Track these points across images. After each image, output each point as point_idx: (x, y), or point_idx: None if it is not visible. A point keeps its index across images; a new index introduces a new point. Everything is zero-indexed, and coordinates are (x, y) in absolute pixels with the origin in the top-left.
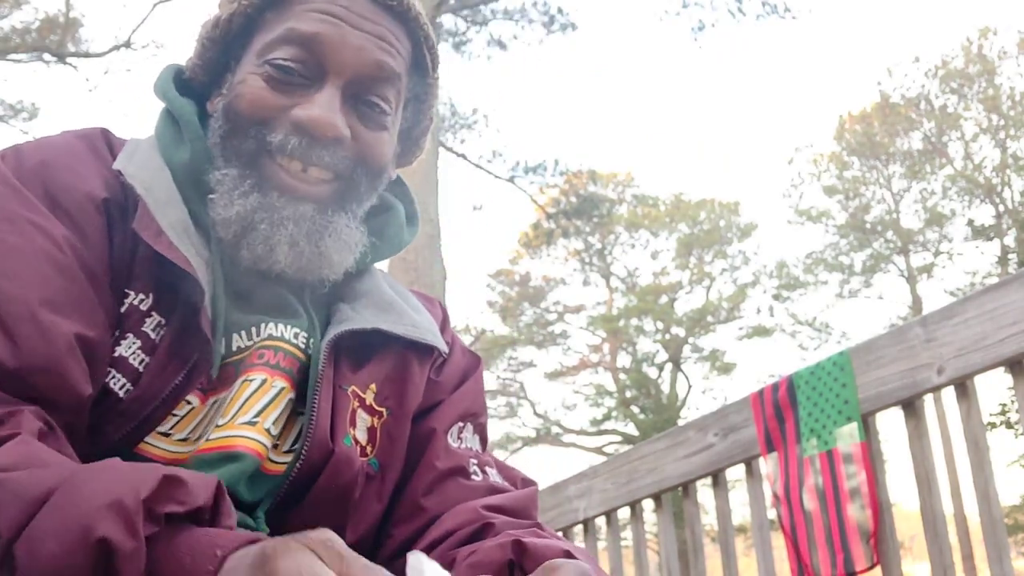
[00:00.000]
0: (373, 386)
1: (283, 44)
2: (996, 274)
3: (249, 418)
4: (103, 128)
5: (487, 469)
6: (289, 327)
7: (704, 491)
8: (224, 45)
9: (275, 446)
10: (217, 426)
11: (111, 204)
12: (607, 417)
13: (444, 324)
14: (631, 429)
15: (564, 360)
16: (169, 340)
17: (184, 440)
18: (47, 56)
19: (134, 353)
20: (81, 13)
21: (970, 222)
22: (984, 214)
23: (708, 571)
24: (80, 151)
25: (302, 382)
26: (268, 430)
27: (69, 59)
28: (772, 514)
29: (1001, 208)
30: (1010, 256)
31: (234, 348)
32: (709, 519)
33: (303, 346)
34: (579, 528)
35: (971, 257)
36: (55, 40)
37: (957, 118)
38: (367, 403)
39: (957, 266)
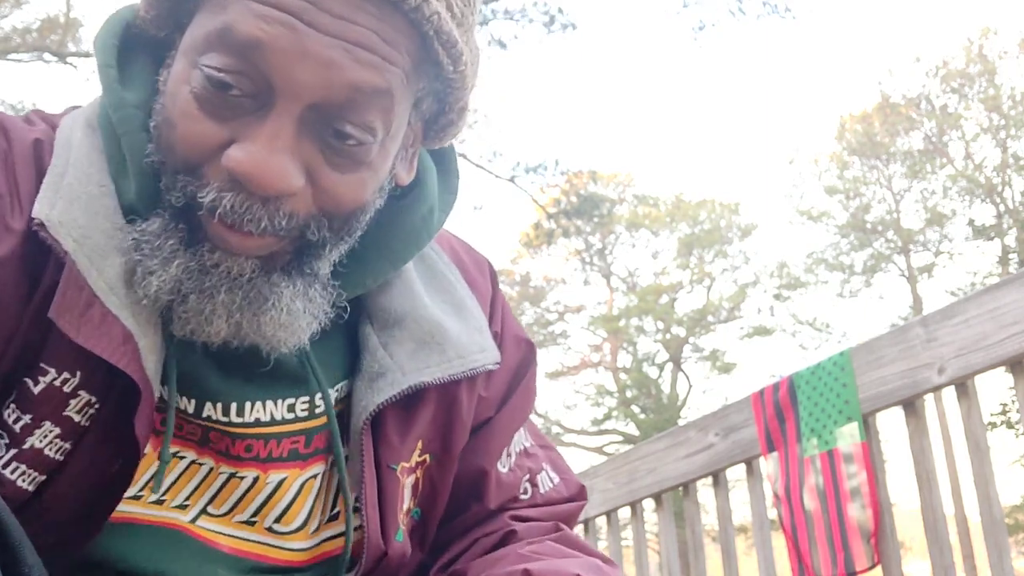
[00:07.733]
0: (420, 443)
1: (217, 46)
2: (997, 274)
3: (246, 518)
4: (38, 115)
5: (538, 479)
6: (280, 402)
7: (704, 491)
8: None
9: (300, 528)
10: (207, 514)
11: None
12: (607, 417)
13: (494, 301)
14: (631, 429)
15: (565, 360)
16: (105, 427)
17: (162, 503)
18: (47, 56)
19: (50, 443)
20: (81, 13)
21: (971, 222)
22: (985, 214)
23: (708, 571)
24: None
25: (318, 451)
26: (270, 529)
27: (69, 59)
28: (773, 514)
29: (1002, 208)
30: (1011, 256)
31: (209, 416)
32: (709, 519)
33: (305, 414)
34: (580, 528)
35: (972, 257)
36: (55, 40)
37: (958, 118)
38: (412, 464)
39: (958, 266)
